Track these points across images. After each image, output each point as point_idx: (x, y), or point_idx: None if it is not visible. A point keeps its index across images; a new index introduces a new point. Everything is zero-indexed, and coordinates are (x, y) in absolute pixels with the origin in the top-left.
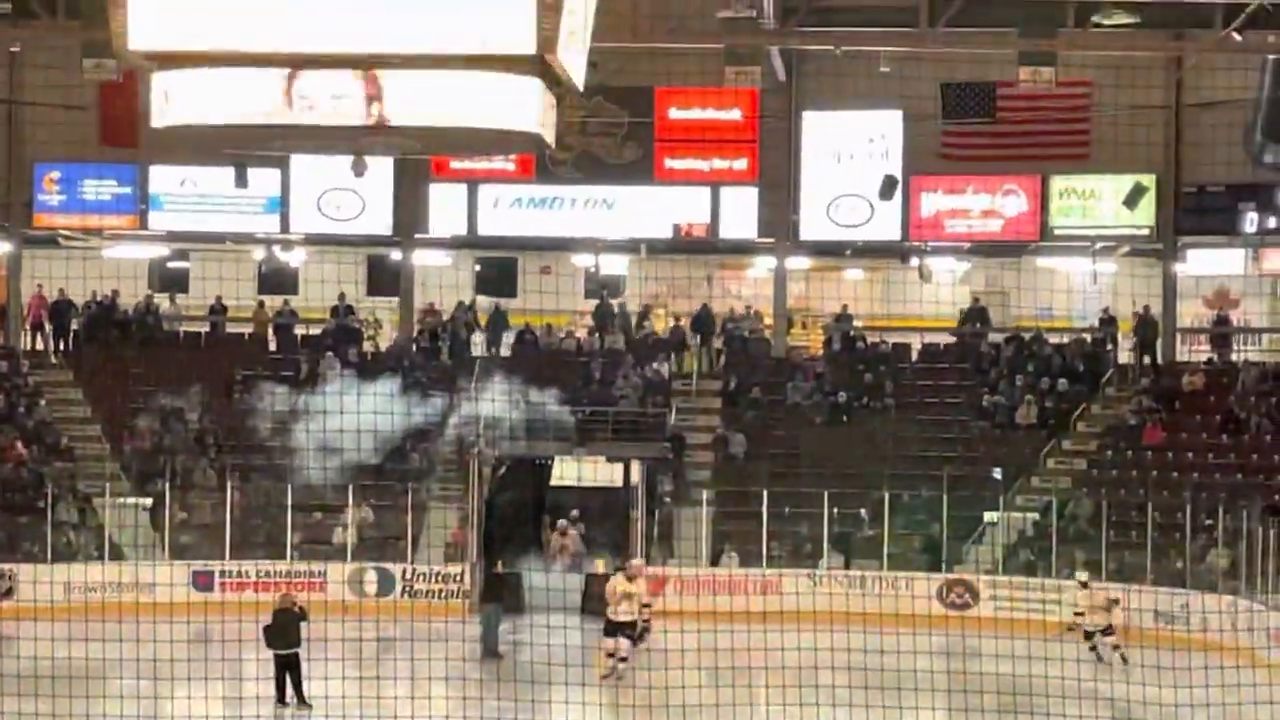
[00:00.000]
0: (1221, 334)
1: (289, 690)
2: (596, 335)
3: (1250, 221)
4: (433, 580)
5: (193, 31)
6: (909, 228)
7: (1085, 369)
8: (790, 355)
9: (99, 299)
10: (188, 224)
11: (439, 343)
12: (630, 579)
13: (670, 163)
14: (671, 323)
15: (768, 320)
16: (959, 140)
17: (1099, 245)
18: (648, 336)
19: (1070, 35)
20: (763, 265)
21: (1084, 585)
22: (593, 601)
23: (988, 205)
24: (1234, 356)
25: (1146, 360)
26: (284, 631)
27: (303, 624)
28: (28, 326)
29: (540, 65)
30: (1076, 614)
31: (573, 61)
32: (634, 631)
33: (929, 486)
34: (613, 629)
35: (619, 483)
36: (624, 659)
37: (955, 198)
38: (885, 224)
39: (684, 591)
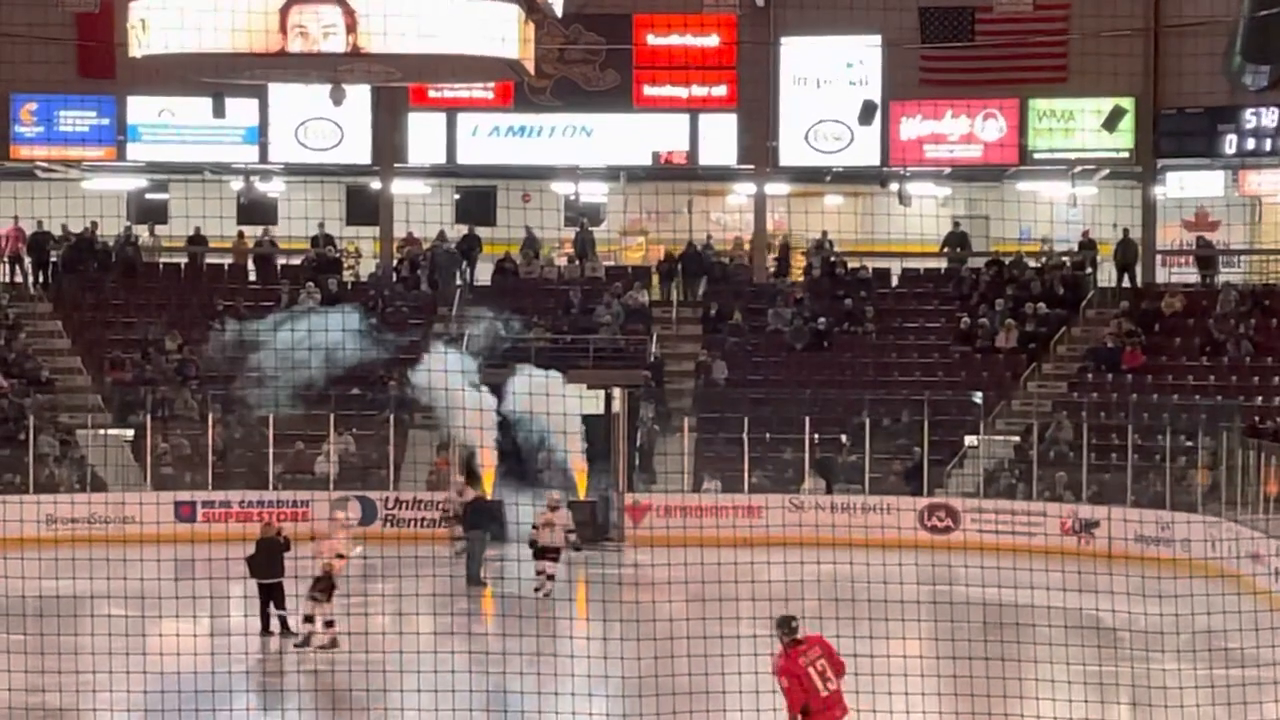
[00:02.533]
0: (1203, 256)
1: (274, 620)
2: (576, 263)
3: (1229, 143)
4: (415, 509)
5: None
6: (888, 153)
7: (1065, 292)
8: (771, 282)
9: (78, 231)
10: (166, 155)
11: (419, 272)
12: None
13: (649, 90)
14: (652, 250)
15: (747, 247)
16: (938, 65)
17: (1078, 168)
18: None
19: None
20: (742, 192)
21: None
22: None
23: (967, 130)
24: (1218, 279)
25: (1126, 283)
26: (267, 561)
27: (286, 554)
28: (5, 259)
29: None
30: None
31: None
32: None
33: (910, 411)
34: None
35: (600, 410)
36: (330, 622)
37: (934, 123)
38: (864, 150)
39: (666, 517)
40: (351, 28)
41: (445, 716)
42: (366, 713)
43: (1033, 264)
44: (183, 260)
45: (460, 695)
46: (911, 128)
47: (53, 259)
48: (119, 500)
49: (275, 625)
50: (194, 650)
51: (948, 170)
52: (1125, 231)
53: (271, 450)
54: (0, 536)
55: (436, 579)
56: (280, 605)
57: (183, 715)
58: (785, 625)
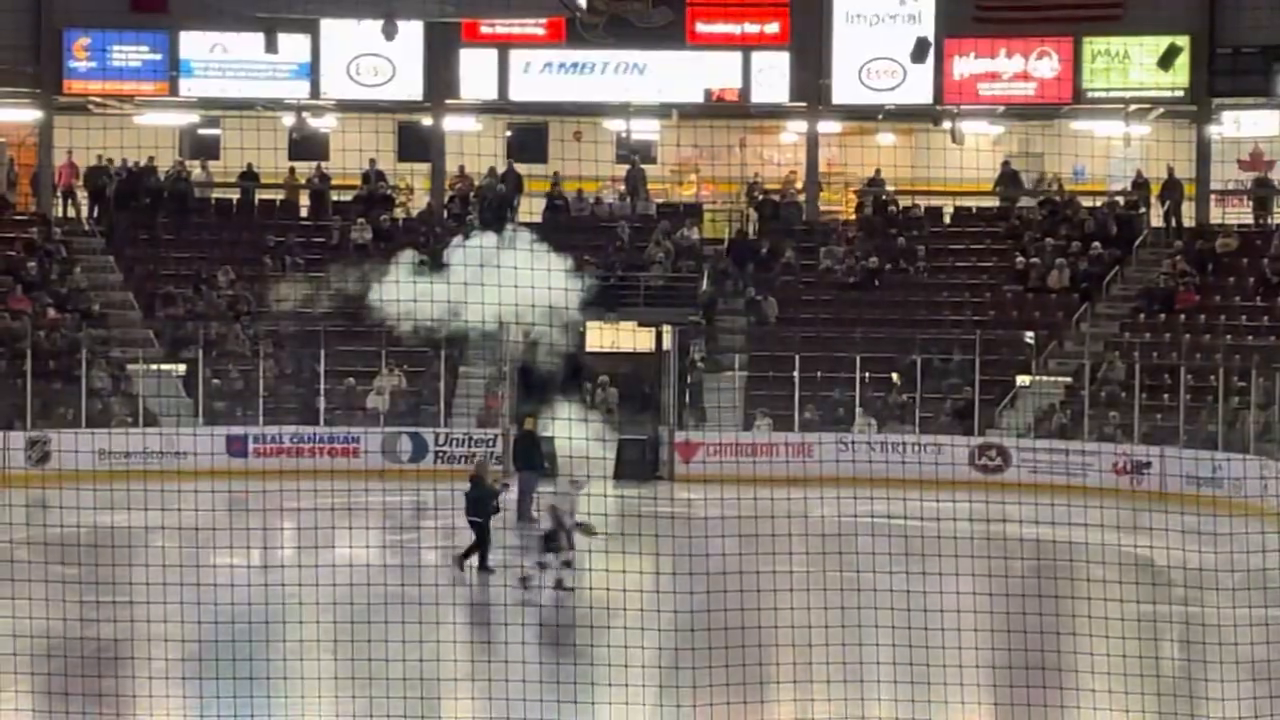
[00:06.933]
0: (1258, 196)
1: (471, 557)
2: (627, 200)
3: None
4: (467, 445)
5: None
6: (941, 91)
7: (1118, 232)
8: (823, 220)
9: (130, 166)
10: (218, 90)
11: (469, 209)
12: None
13: (701, 26)
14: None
15: (799, 185)
16: (993, 2)
17: (1132, 107)
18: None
19: None
20: (794, 129)
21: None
22: (625, 467)
23: (1020, 68)
24: (1272, 219)
25: (1175, 223)
26: (474, 502)
27: (495, 500)
28: (58, 194)
29: None
30: None
31: None
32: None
33: (961, 350)
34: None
35: (651, 348)
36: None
37: (988, 61)
38: (917, 87)
39: (718, 455)
40: None
41: (498, 649)
42: (419, 645)
43: (1088, 203)
44: (235, 196)
45: (513, 629)
46: (965, 65)
47: (106, 194)
48: (171, 434)
49: (469, 563)
50: (247, 582)
51: (1001, 109)
52: (1170, 170)
53: (323, 385)
54: (56, 470)
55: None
56: (483, 544)
57: (235, 647)
58: None
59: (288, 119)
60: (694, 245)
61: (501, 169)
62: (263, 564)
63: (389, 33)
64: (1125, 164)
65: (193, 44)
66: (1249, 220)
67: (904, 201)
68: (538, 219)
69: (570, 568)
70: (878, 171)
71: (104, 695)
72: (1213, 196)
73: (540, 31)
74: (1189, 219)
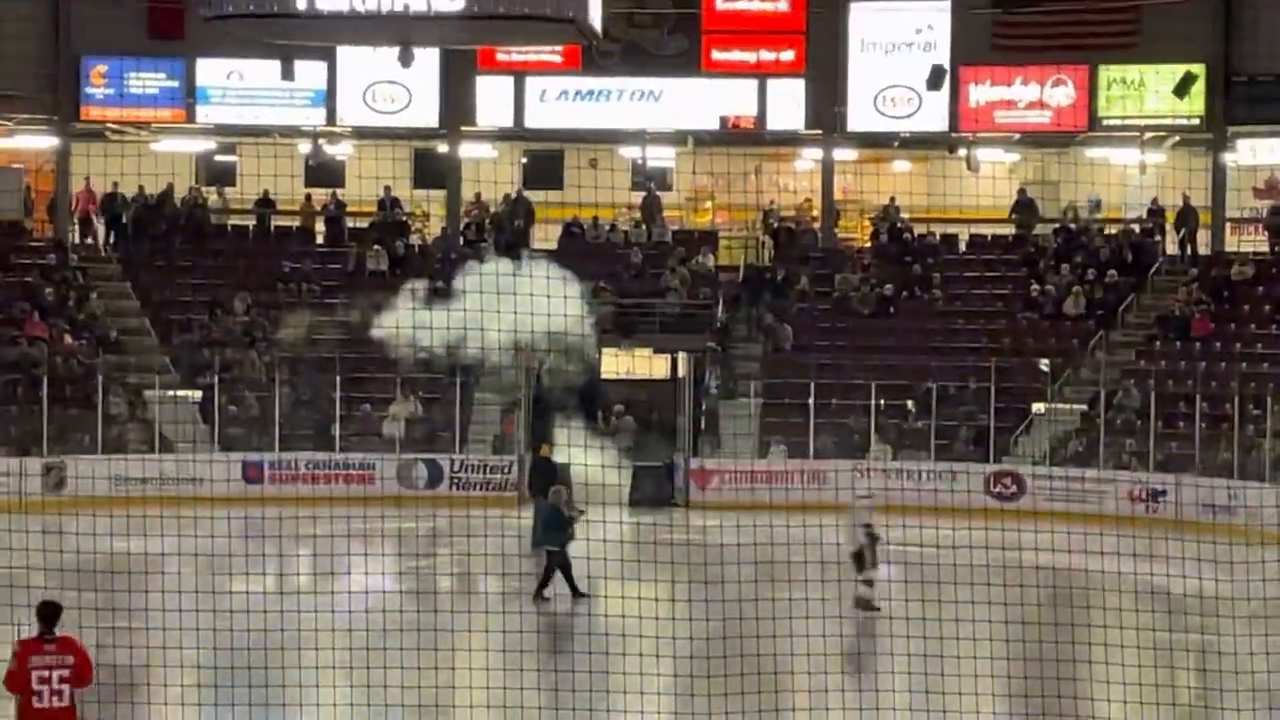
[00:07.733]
0: (1274, 224)
1: (553, 585)
2: (643, 227)
3: None
4: (483, 472)
5: None
6: (957, 119)
7: (1134, 260)
8: (838, 247)
9: (147, 193)
10: (234, 117)
11: (485, 235)
12: None
13: (717, 54)
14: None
15: (814, 212)
16: (1009, 30)
17: (1148, 135)
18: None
19: None
20: (810, 157)
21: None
22: (641, 494)
23: (1036, 96)
24: None
25: (1190, 251)
26: (556, 529)
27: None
28: (75, 220)
29: None
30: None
31: None
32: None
33: (976, 378)
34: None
35: (666, 375)
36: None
37: (1003, 88)
38: (933, 115)
39: (734, 482)
40: None
41: (513, 677)
42: (435, 672)
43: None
44: (251, 223)
45: (528, 656)
46: (980, 93)
47: (123, 220)
48: (187, 460)
49: (549, 591)
50: (263, 609)
51: (1016, 136)
52: (1186, 198)
53: (338, 412)
54: (72, 496)
55: (505, 539)
56: (566, 571)
57: (251, 674)
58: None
59: (304, 146)
60: (709, 272)
61: (517, 196)
62: (278, 590)
63: (405, 60)
64: (1141, 191)
65: (209, 71)
66: (1264, 248)
67: (919, 229)
68: (552, 245)
69: (872, 586)
70: (893, 199)
71: None
72: (1228, 224)
73: (556, 59)
74: (1204, 247)
